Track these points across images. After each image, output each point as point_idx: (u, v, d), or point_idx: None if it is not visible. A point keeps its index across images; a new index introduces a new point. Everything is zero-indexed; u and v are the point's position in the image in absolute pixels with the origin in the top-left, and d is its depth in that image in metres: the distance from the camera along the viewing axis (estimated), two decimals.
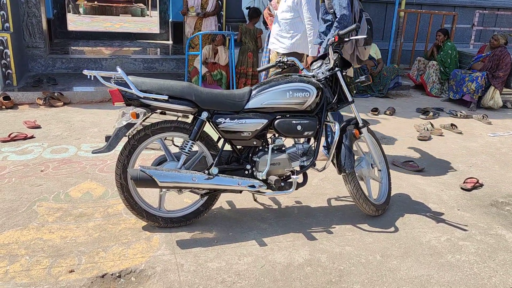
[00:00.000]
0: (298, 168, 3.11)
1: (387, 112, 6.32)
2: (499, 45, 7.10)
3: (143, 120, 2.90)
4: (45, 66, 7.02)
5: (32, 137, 4.57)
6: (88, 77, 2.78)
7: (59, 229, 2.90)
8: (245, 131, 2.89)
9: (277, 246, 2.83)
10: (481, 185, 3.95)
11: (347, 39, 3.09)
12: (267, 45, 5.74)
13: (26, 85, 6.16)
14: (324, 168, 3.12)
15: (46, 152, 4.20)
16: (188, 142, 2.86)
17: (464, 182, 3.95)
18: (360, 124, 3.22)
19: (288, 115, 3.01)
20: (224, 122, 2.85)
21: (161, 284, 2.42)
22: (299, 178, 3.05)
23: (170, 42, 10.85)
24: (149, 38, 11.34)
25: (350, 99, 3.17)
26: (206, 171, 2.83)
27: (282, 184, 2.99)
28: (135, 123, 2.78)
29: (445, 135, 5.52)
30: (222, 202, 3.35)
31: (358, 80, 3.18)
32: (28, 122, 4.93)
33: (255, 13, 6.28)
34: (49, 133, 4.73)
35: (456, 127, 5.72)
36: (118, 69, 2.76)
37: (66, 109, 5.68)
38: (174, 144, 3.13)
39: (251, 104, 2.93)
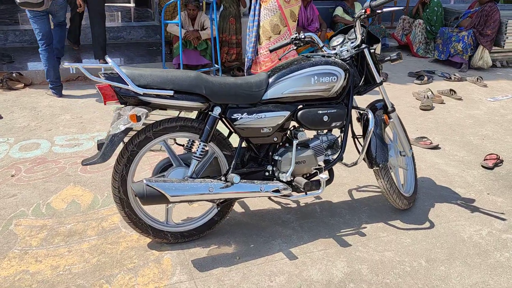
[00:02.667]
0: (323, 164, 2.70)
1: None
2: (488, 1, 6.79)
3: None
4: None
5: None
6: (71, 70, 2.21)
7: (48, 256, 2.40)
8: (265, 127, 2.44)
9: (309, 259, 2.46)
10: (502, 161, 3.70)
11: (379, 11, 2.63)
12: (254, 11, 5.17)
13: None
14: (355, 164, 2.73)
15: (14, 150, 3.59)
16: (199, 144, 2.38)
17: (484, 160, 3.68)
18: (389, 108, 2.82)
19: (311, 104, 2.57)
20: (241, 118, 2.38)
21: None
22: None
23: (132, 5, 9.93)
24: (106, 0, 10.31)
25: (378, 80, 2.74)
26: (223, 178, 2.38)
27: (322, 178, 2.58)
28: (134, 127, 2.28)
29: (446, 102, 5.23)
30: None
31: (388, 58, 2.75)
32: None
33: None
34: (13, 124, 4.08)
35: (455, 92, 5.43)
36: (108, 59, 2.21)
37: (29, 91, 4.97)
38: (176, 143, 2.65)
39: (270, 94, 2.46)
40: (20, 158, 3.47)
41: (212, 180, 2.36)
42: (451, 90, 5.45)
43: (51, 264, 2.35)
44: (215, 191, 2.32)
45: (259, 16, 5.17)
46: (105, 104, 2.26)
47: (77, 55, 6.15)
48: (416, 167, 3.15)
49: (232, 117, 2.37)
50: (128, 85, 2.17)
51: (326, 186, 2.67)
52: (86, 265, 2.35)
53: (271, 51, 2.83)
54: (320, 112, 2.54)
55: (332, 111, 2.56)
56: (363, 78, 2.71)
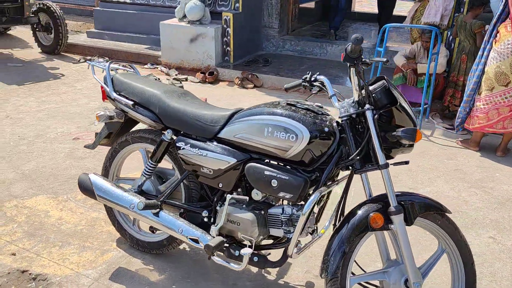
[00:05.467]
0: (285, 239, 2.13)
1: None
2: None
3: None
4: (276, 47, 7.20)
5: None
6: (87, 67, 2.65)
7: (69, 210, 3.00)
8: (205, 167, 2.16)
9: None
10: None
11: (368, 61, 1.77)
12: (482, 51, 4.05)
13: (241, 63, 6.50)
14: (280, 261, 2.02)
15: None
16: (148, 162, 2.37)
17: None
18: (392, 208, 1.85)
19: (268, 160, 2.06)
20: (183, 148, 2.20)
21: None
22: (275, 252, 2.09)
23: None
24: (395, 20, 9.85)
25: (381, 161, 1.84)
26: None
27: (237, 253, 2.11)
28: (117, 123, 2.53)
29: None
30: None
31: (396, 132, 1.81)
32: (201, 98, 5.21)
33: (478, 0, 4.43)
34: None
35: None
36: (106, 64, 2.51)
37: (251, 92, 5.71)
38: None
39: (224, 133, 2.14)
40: None
41: (141, 199, 2.31)
42: None
43: (61, 215, 2.94)
44: (133, 210, 2.28)
45: (486, 58, 4.00)
46: (103, 101, 2.59)
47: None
48: None
49: (177, 144, 2.23)
50: (107, 87, 2.43)
51: (271, 267, 2.12)
52: (72, 228, 2.81)
53: (286, 89, 2.33)
54: (268, 173, 1.99)
55: (284, 177, 1.96)
56: (359, 150, 1.89)
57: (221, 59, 6.46)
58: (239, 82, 5.92)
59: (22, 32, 8.36)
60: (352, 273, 2.00)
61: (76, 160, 3.69)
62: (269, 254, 2.29)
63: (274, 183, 1.98)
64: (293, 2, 7.49)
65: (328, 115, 2.05)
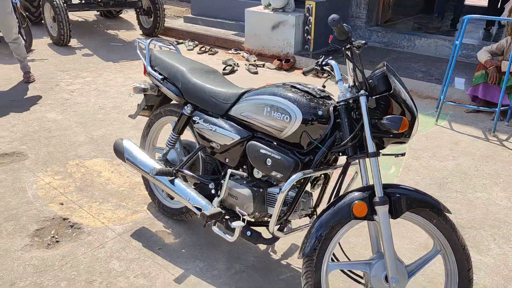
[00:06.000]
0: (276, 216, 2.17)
1: None
2: None
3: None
4: (361, 37, 6.98)
5: None
6: (134, 43, 2.90)
7: (118, 173, 3.33)
8: (214, 141, 2.28)
9: None
10: None
11: (356, 44, 1.69)
12: None
13: (321, 52, 6.45)
14: (271, 238, 2.04)
15: None
16: (172, 134, 2.55)
17: None
18: (376, 198, 1.78)
19: (270, 140, 2.11)
20: (197, 122, 2.35)
21: (69, 250, 2.49)
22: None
23: None
24: None
25: (370, 149, 1.79)
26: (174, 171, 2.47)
27: (233, 225, 2.19)
28: (152, 95, 2.75)
29: None
30: None
31: (382, 120, 1.74)
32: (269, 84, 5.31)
33: None
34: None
35: None
36: (147, 41, 2.72)
37: (323, 81, 5.64)
38: None
39: (233, 111, 2.24)
40: None
41: (161, 166, 2.50)
42: None
43: (110, 177, 3.27)
44: (151, 175, 2.48)
45: None
46: (144, 75, 2.82)
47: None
48: None
49: (193, 118, 2.37)
50: (145, 62, 2.65)
51: (263, 244, 2.19)
52: (115, 188, 3.13)
53: (303, 73, 2.32)
54: (263, 151, 2.04)
55: (277, 157, 2.00)
56: (350, 137, 1.85)
57: (301, 47, 6.47)
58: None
59: (131, 15, 9.18)
60: (336, 259, 1.99)
61: (139, 131, 4.04)
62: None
63: (268, 161, 2.03)
64: None
65: (330, 99, 2.04)
